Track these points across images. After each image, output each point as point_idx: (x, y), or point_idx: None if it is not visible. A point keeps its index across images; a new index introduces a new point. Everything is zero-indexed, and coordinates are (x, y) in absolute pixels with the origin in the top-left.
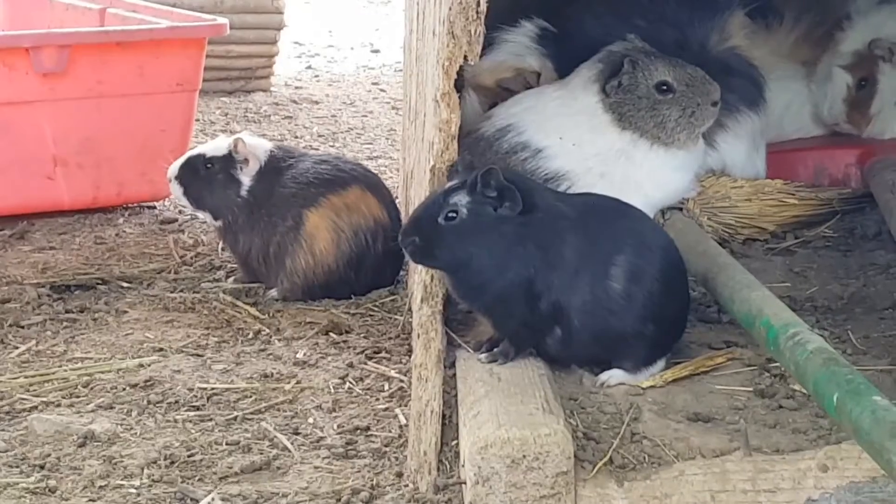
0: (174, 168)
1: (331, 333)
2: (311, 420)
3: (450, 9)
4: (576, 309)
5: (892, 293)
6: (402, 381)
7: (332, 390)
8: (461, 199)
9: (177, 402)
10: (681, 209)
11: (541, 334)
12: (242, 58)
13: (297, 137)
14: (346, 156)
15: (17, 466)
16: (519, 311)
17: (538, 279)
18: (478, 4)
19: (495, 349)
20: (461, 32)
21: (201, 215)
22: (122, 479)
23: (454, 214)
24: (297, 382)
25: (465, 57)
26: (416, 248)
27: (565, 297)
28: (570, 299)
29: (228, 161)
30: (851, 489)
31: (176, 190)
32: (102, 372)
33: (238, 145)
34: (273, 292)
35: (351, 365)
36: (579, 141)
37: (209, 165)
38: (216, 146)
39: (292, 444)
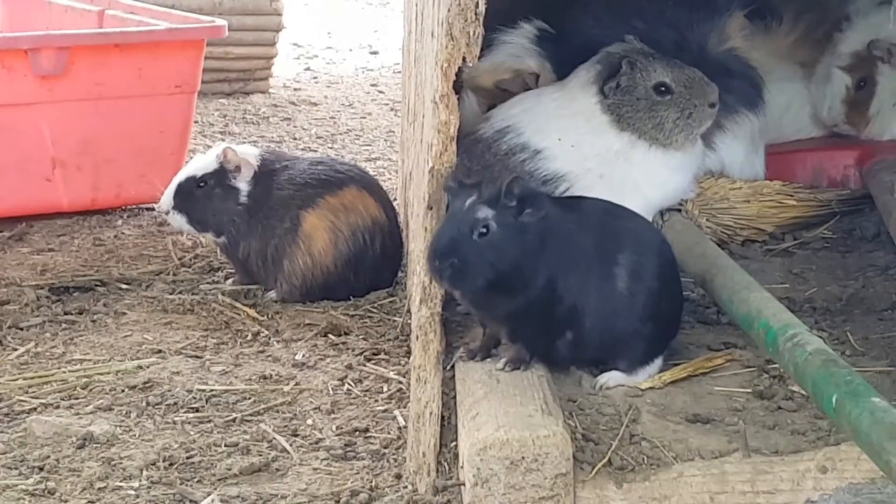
0: (167, 199)
1: (329, 335)
2: (309, 422)
3: (448, 10)
4: (588, 311)
5: (891, 294)
6: (400, 382)
7: (331, 392)
8: (487, 213)
9: (176, 403)
10: (679, 210)
11: (553, 339)
12: (241, 59)
13: (295, 139)
14: (345, 157)
15: (16, 468)
16: (539, 318)
17: (559, 284)
18: (476, 6)
19: (506, 357)
20: (460, 34)
21: (205, 237)
22: (121, 481)
23: (486, 230)
24: (296, 384)
25: (464, 58)
26: (455, 270)
27: (580, 299)
28: (584, 302)
29: (221, 173)
30: (850, 490)
31: (177, 220)
32: (101, 374)
33: (228, 154)
34: (272, 294)
35: (350, 366)
36: (578, 142)
37: (202, 184)
38: (202, 164)
39: (291, 445)
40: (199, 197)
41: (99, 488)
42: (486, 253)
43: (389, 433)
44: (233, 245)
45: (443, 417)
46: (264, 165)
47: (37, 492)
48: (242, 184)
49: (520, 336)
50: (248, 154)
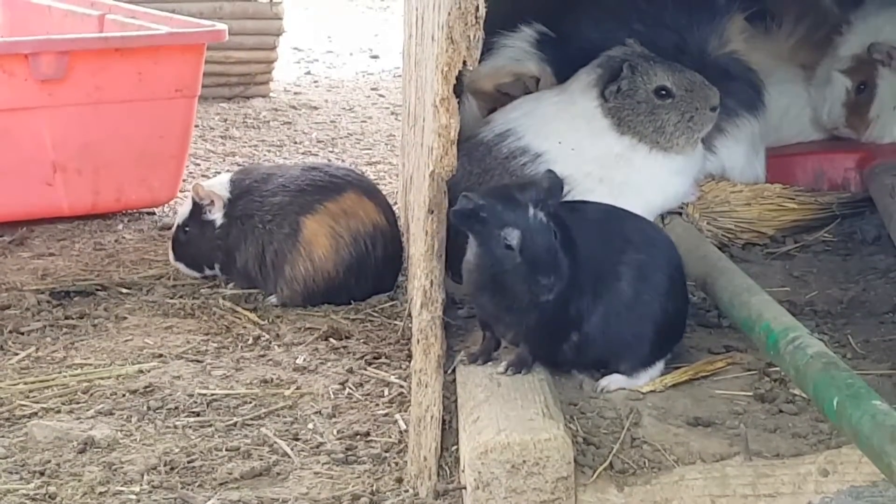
0: (171, 253)
1: (330, 339)
2: (310, 426)
3: (449, 14)
4: (594, 312)
5: (892, 297)
6: (401, 386)
7: (332, 396)
8: (545, 216)
9: (176, 408)
10: (680, 214)
11: (560, 341)
12: (241, 63)
13: (296, 143)
14: (346, 161)
15: (17, 473)
16: (553, 318)
17: (573, 282)
18: (476, 9)
19: (507, 360)
20: (460, 37)
21: (212, 273)
22: (122, 486)
23: (555, 233)
24: (297, 388)
25: (465, 62)
26: (559, 279)
27: (586, 300)
28: (590, 303)
29: (196, 211)
30: (852, 493)
31: (181, 268)
32: (102, 378)
33: (198, 190)
34: (272, 298)
35: (351, 370)
36: (578, 145)
37: (186, 229)
38: (183, 209)
39: (292, 449)
40: (184, 242)
41: (100, 493)
42: (563, 253)
43: (390, 437)
44: (227, 271)
45: (444, 421)
46: (237, 186)
47: (38, 496)
48: (216, 215)
49: (529, 338)
50: (216, 185)
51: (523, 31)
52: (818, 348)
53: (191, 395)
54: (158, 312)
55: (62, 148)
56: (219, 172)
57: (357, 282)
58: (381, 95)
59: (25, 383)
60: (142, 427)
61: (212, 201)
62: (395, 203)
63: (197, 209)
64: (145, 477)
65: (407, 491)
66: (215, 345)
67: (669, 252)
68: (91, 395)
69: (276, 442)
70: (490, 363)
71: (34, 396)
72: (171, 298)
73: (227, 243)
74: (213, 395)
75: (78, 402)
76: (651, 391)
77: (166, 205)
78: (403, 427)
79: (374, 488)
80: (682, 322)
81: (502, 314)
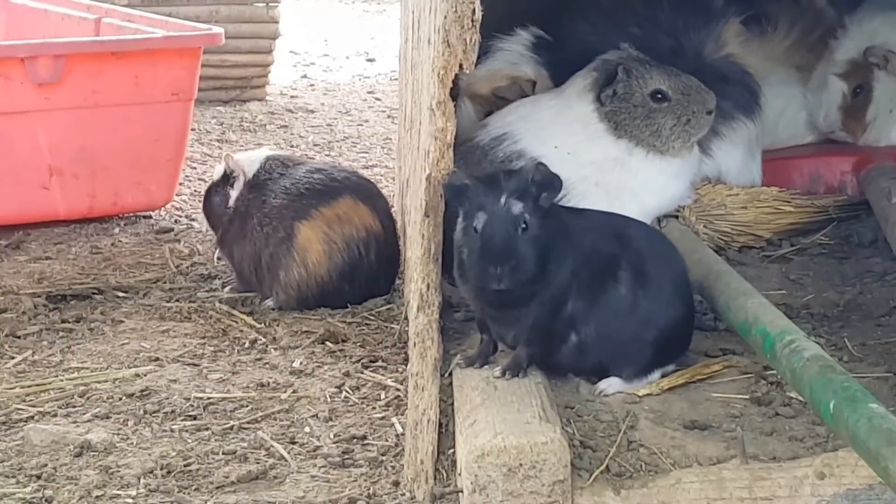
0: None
1: (327, 342)
2: (307, 429)
3: (445, 17)
4: (592, 313)
5: (888, 300)
6: (398, 389)
7: (329, 399)
8: (520, 207)
9: (173, 411)
10: (676, 217)
11: (557, 342)
12: (238, 67)
13: (292, 146)
14: (342, 164)
15: (14, 476)
16: (551, 315)
17: (573, 278)
18: (473, 13)
19: (503, 364)
20: (456, 41)
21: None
22: (118, 489)
23: (525, 225)
24: (294, 391)
25: (461, 65)
26: (514, 271)
27: (585, 300)
28: (589, 303)
29: (225, 179)
30: (848, 496)
31: (200, 219)
32: (99, 382)
33: (228, 161)
34: (269, 302)
35: (347, 374)
36: (574, 149)
37: (215, 188)
38: (218, 169)
39: (289, 453)
40: (208, 199)
41: (96, 496)
42: (532, 247)
43: (387, 440)
44: (227, 247)
45: (440, 424)
46: (259, 174)
47: (34, 500)
48: (233, 191)
49: (529, 338)
50: (245, 162)
51: (519, 34)
52: (815, 351)
53: (187, 399)
54: (155, 316)
55: (59, 152)
56: None
57: (351, 286)
58: (377, 99)
59: (22, 387)
60: (138, 431)
61: (235, 175)
62: (392, 206)
63: (225, 177)
64: (142, 480)
65: (404, 494)
66: (212, 348)
67: (675, 261)
68: (87, 398)
69: (272, 445)
70: (487, 366)
71: (31, 400)
72: (168, 302)
73: (229, 236)
74: (209, 398)
75: (74, 406)
76: (647, 394)
77: (163, 208)
78: (400, 430)
79: (371, 492)
80: (687, 333)
81: (501, 310)
